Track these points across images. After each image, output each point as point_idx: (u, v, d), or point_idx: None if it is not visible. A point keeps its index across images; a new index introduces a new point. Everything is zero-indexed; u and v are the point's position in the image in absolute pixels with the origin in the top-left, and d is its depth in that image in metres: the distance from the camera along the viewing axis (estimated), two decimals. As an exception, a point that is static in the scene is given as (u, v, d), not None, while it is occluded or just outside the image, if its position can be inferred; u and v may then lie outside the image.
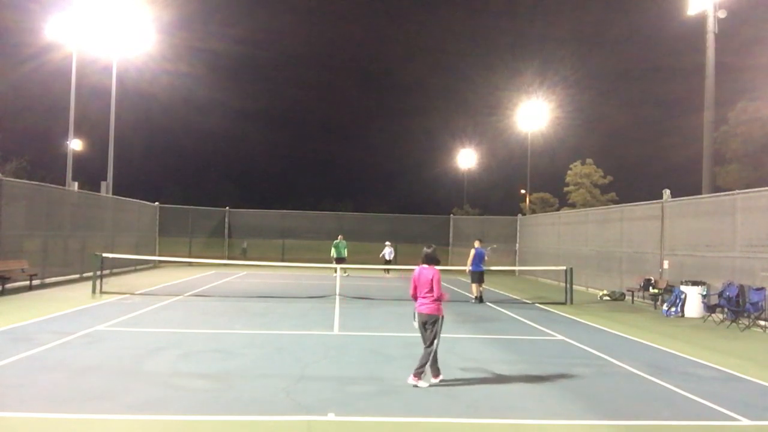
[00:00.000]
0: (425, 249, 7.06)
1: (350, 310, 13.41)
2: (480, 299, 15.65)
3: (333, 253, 24.46)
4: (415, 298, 7.00)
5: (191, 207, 31.54)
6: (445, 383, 6.86)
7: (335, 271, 24.29)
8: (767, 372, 8.05)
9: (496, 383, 6.92)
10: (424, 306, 6.83)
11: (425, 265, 6.95)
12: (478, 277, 15.78)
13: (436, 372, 6.80)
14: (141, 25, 26.86)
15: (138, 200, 27.44)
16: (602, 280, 19.68)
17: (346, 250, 24.64)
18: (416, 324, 6.97)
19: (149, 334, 9.60)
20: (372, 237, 26.54)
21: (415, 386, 6.58)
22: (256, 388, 6.42)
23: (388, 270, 25.50)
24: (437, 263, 7.04)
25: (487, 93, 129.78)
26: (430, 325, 6.80)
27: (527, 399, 6.30)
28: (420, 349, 8.88)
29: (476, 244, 16.13)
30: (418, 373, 6.69)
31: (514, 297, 17.55)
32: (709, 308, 13.13)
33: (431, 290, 6.80)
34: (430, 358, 6.74)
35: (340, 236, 25.05)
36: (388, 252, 26.06)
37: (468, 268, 15.78)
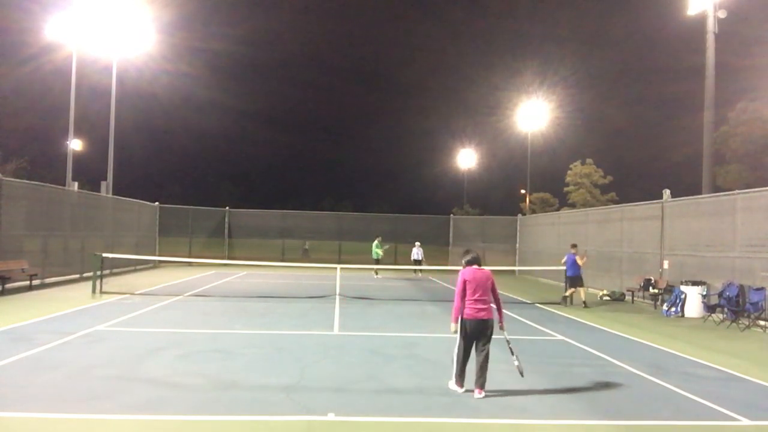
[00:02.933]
0: (473, 252, 6.68)
1: (350, 310, 13.41)
2: (565, 301, 15.76)
3: (375, 252, 24.80)
4: (461, 303, 6.45)
5: (191, 207, 31.54)
6: (445, 383, 6.86)
7: (376, 273, 24.53)
8: (767, 372, 8.05)
9: (496, 383, 6.90)
10: (484, 311, 6.34)
11: (475, 266, 6.54)
12: (571, 281, 15.88)
13: (462, 381, 6.51)
14: (141, 25, 26.85)
15: (138, 200, 27.43)
16: (602, 280, 19.67)
17: (381, 251, 24.91)
18: (455, 328, 6.45)
19: (149, 334, 9.60)
20: (372, 237, 26.45)
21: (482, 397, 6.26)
22: (256, 388, 6.42)
23: (419, 271, 25.24)
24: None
25: (487, 93, 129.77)
26: (487, 331, 6.35)
27: (527, 399, 6.30)
28: (421, 350, 8.92)
29: (572, 250, 16.16)
30: (484, 384, 6.34)
31: (514, 297, 17.54)
32: (709, 308, 13.13)
33: (488, 293, 6.43)
34: (458, 366, 6.47)
35: (378, 237, 25.29)
36: (416, 252, 25.80)
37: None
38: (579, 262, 15.70)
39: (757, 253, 12.64)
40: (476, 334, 6.37)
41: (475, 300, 6.36)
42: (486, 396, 6.31)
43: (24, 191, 16.91)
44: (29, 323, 10.21)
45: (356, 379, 7.00)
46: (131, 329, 10.05)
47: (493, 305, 6.60)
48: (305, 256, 32.07)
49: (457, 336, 6.49)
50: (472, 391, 6.35)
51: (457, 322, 6.49)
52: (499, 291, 6.79)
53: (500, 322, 6.61)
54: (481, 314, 6.34)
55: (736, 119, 38.20)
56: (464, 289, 6.41)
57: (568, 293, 15.91)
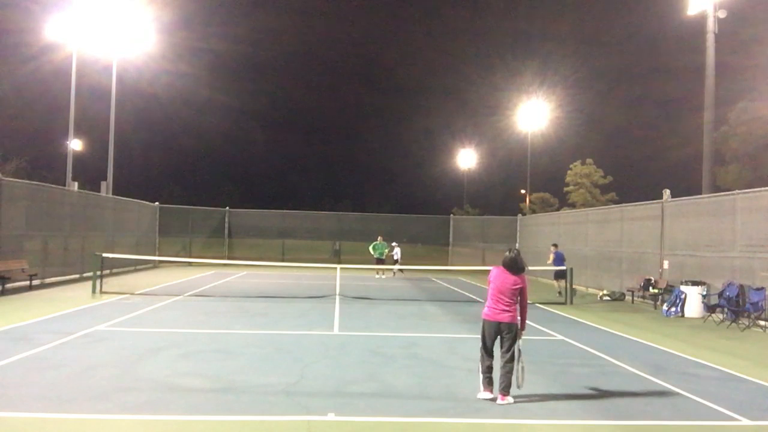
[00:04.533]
0: (510, 254, 6.34)
1: (350, 310, 13.41)
2: (560, 293, 17.59)
3: (374, 253, 24.67)
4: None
5: (191, 207, 31.56)
6: (445, 383, 6.87)
7: (379, 273, 24.48)
8: (767, 372, 8.05)
9: (496, 383, 6.90)
10: (506, 314, 6.18)
11: (509, 271, 6.28)
12: (558, 274, 18.12)
13: (490, 386, 6.22)
14: (141, 25, 26.87)
15: (138, 200, 27.45)
16: (602, 280, 19.68)
17: (386, 251, 24.81)
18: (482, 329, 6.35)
19: (149, 334, 9.60)
20: (372, 237, 26.44)
21: (506, 404, 6.03)
22: (256, 388, 6.42)
23: (401, 270, 25.19)
24: (524, 270, 6.36)
25: (487, 93, 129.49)
26: (507, 335, 6.19)
27: (527, 399, 6.29)
28: (421, 350, 8.92)
29: (553, 248, 18.73)
30: (506, 390, 6.11)
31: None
32: (709, 308, 13.13)
33: (512, 298, 6.22)
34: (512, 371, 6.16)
35: (379, 237, 25.14)
36: (396, 252, 25.82)
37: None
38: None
39: (757, 253, 12.64)
40: (495, 336, 6.25)
41: (496, 301, 6.25)
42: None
43: (24, 191, 16.92)
44: (29, 323, 10.21)
45: (356, 379, 7.00)
46: (131, 329, 10.05)
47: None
48: (336, 257, 32.16)
49: (480, 341, 6.38)
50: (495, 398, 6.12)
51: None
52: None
53: (520, 329, 6.35)
54: (501, 316, 6.20)
55: (736, 119, 38.16)
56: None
57: (560, 288, 17.69)
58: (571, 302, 15.89)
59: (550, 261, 18.45)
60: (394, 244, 26.05)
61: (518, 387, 6.24)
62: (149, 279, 20.11)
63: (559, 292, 17.53)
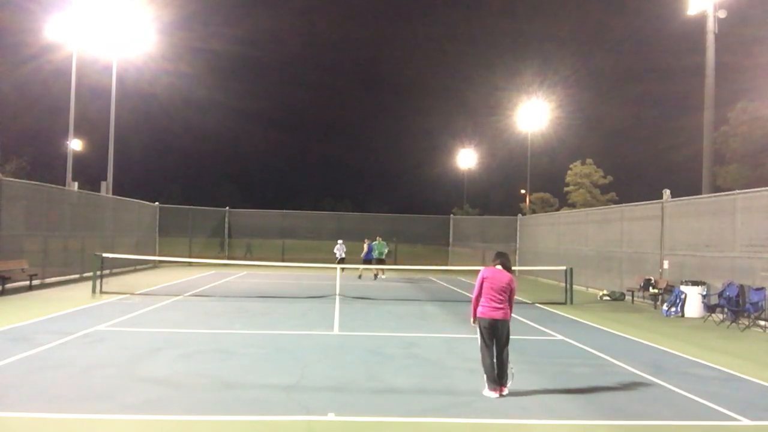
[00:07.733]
0: (500, 256, 6.74)
1: (350, 310, 13.41)
2: (375, 276, 23.42)
3: (373, 253, 24.50)
4: (477, 301, 6.57)
5: (191, 207, 31.56)
6: (445, 383, 6.87)
7: (378, 273, 24.43)
8: (767, 372, 8.05)
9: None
10: (499, 311, 6.44)
11: (499, 268, 6.62)
12: (368, 261, 23.60)
13: (496, 386, 6.40)
14: (141, 25, 26.87)
15: (138, 200, 27.44)
16: (602, 280, 19.67)
17: (387, 250, 24.75)
18: (474, 324, 6.64)
19: (149, 334, 9.60)
20: (372, 237, 26.47)
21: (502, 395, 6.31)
22: (256, 388, 6.42)
23: (341, 269, 24.94)
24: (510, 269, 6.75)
25: (487, 93, 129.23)
26: (502, 330, 6.47)
27: (527, 399, 6.30)
28: (421, 350, 8.92)
29: (366, 241, 23.89)
30: (505, 383, 6.42)
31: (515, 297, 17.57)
32: (709, 308, 13.13)
33: (504, 295, 6.50)
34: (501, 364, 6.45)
35: (378, 237, 25.06)
36: (339, 249, 25.40)
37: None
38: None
39: (757, 253, 12.64)
40: (492, 334, 6.45)
41: (490, 299, 6.48)
42: (486, 395, 6.32)
43: (24, 191, 16.92)
44: (29, 323, 10.21)
45: (356, 378, 7.00)
46: (131, 329, 10.05)
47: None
48: (388, 257, 32.07)
49: (478, 339, 6.58)
50: (502, 396, 6.35)
51: (474, 317, 6.61)
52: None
53: None
54: (496, 314, 6.44)
55: (736, 119, 38.16)
56: (482, 287, 6.54)
57: (363, 272, 23.62)
58: (571, 302, 15.89)
59: (364, 251, 23.80)
60: (339, 241, 25.86)
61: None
62: (149, 279, 20.11)
63: (360, 276, 23.41)
